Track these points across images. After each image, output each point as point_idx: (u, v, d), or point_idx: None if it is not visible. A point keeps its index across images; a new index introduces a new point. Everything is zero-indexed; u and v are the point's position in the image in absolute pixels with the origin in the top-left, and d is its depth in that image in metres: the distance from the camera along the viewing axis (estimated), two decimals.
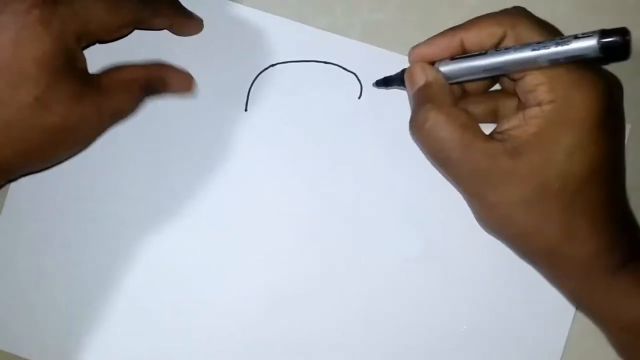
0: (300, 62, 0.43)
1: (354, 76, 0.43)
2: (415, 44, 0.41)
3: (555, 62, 0.34)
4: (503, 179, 0.36)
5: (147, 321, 0.43)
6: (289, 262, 0.43)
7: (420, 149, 0.39)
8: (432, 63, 0.39)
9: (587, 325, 0.41)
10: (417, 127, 0.38)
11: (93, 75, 0.38)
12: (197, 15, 0.42)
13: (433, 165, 0.40)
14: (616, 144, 0.36)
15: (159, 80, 0.41)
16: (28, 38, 0.34)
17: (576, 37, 0.32)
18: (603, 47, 0.31)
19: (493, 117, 0.41)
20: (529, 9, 0.44)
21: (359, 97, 0.43)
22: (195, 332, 0.43)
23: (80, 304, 0.43)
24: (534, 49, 0.34)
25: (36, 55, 0.35)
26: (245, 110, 0.43)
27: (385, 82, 0.42)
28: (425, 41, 0.39)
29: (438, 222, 0.43)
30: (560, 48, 0.33)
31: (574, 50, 0.32)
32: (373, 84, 0.42)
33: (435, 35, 0.39)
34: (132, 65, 0.40)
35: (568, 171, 0.35)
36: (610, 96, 0.35)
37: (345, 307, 0.43)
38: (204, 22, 0.43)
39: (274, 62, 0.43)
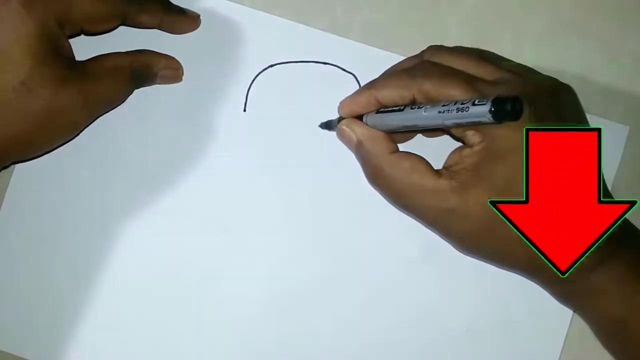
0: (299, 63, 0.43)
1: (352, 77, 0.43)
2: (415, 44, 0.41)
3: (460, 125, 0.35)
4: (457, 215, 0.37)
5: (149, 322, 0.43)
6: (287, 263, 0.43)
7: (385, 197, 0.40)
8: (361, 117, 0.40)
9: (585, 326, 0.41)
10: (370, 182, 0.40)
11: (79, 62, 0.39)
12: (191, 12, 0.42)
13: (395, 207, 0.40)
14: None
15: (144, 66, 0.41)
16: (11, 22, 0.35)
17: (474, 104, 0.33)
18: (495, 115, 0.33)
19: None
20: (529, 9, 0.44)
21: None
22: (197, 333, 0.43)
23: (79, 304, 0.43)
24: (439, 112, 0.35)
25: (20, 39, 0.35)
26: (244, 110, 0.43)
27: (327, 125, 0.43)
28: (349, 97, 0.40)
29: None
30: (460, 114, 0.34)
31: (471, 116, 0.34)
32: (319, 125, 0.43)
33: (357, 90, 0.40)
34: (118, 53, 0.40)
35: (513, 197, 0.36)
36: (541, 115, 0.35)
37: (343, 307, 0.43)
38: (203, 22, 0.43)
39: (273, 63, 0.43)
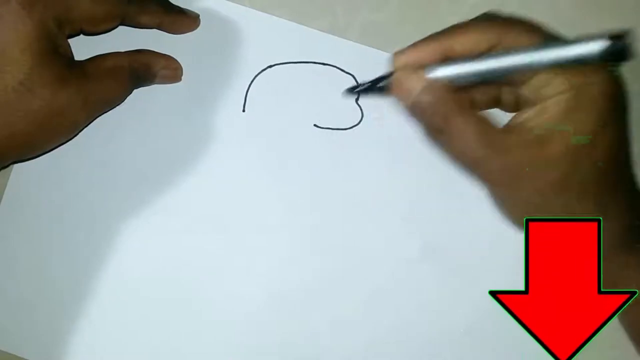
0: (298, 63, 0.43)
1: (351, 77, 0.43)
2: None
3: (556, 65, 0.34)
4: (536, 169, 0.35)
5: (148, 322, 0.43)
6: (287, 263, 0.43)
7: (445, 156, 0.37)
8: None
9: None
10: (431, 139, 0.37)
11: (78, 62, 0.39)
12: (191, 12, 0.43)
13: (457, 166, 0.37)
14: (626, 122, 0.36)
15: (144, 66, 0.41)
16: (10, 22, 0.35)
17: (579, 41, 0.33)
18: (611, 51, 0.31)
19: (495, 104, 0.40)
20: (529, 9, 0.44)
21: (357, 99, 0.43)
22: (197, 333, 0.43)
23: (79, 304, 0.43)
24: (537, 50, 0.34)
25: (19, 39, 0.35)
26: (243, 110, 0.43)
27: (355, 91, 0.40)
28: (410, 46, 0.37)
29: (437, 222, 0.43)
30: (563, 50, 0.33)
31: (578, 52, 0.32)
32: (344, 91, 0.40)
33: (418, 41, 0.37)
34: (117, 53, 0.40)
35: (597, 150, 0.34)
36: (620, 79, 0.35)
37: (343, 307, 0.43)
38: (203, 22, 0.43)
39: (272, 63, 0.43)
